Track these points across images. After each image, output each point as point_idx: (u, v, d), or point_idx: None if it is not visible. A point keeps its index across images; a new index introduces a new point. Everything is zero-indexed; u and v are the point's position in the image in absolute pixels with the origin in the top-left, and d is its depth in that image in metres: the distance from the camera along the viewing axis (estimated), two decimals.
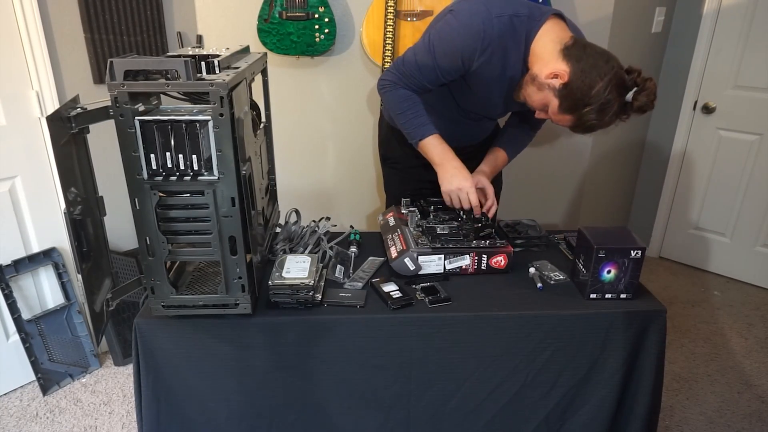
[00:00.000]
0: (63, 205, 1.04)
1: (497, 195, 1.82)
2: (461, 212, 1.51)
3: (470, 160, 1.59)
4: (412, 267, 1.34)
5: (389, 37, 2.11)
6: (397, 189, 1.80)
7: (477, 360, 1.26)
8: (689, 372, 2.27)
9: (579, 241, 1.33)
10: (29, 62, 1.90)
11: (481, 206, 1.49)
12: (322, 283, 1.30)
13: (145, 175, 1.02)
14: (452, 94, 1.54)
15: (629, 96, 1.28)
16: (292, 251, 1.43)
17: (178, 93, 1.05)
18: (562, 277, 1.37)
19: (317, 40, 2.13)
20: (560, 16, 1.39)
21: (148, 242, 1.07)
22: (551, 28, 1.35)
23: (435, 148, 1.47)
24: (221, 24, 2.25)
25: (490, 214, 1.53)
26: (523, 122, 1.68)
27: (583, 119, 1.31)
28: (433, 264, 1.36)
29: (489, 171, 1.62)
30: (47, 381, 2.11)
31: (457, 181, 1.45)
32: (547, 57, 1.33)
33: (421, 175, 1.67)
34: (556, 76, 1.30)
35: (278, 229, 1.52)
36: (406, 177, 1.75)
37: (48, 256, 2.10)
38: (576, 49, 1.30)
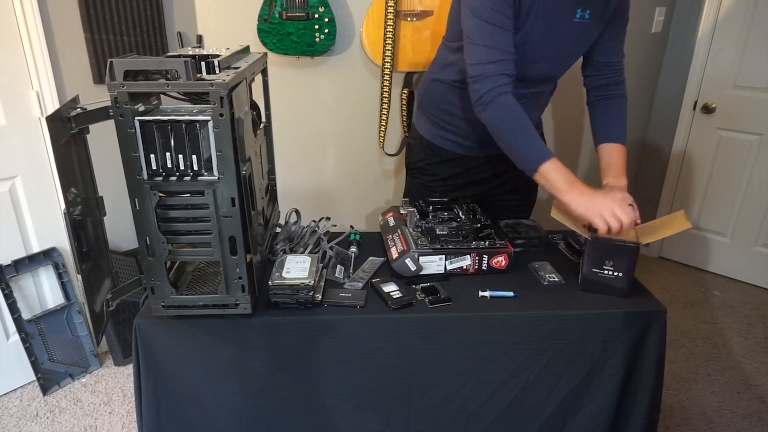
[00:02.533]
0: (63, 205, 1.04)
1: (531, 206, 1.81)
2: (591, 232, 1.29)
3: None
4: (413, 267, 1.34)
5: (389, 37, 2.11)
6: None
7: (478, 361, 1.26)
8: (689, 372, 2.27)
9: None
10: (29, 62, 1.90)
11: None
12: (322, 283, 1.30)
13: (145, 176, 1.02)
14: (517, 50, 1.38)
15: None
16: (292, 251, 1.42)
17: (178, 93, 1.05)
18: (558, 278, 1.37)
19: (317, 40, 2.13)
20: None
21: (148, 242, 1.07)
22: None
23: (559, 174, 1.29)
24: (221, 24, 2.25)
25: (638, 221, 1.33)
26: (599, 99, 1.53)
27: None
28: (434, 264, 1.36)
29: (616, 176, 1.46)
30: (47, 381, 2.11)
31: (604, 202, 1.26)
32: None
33: (444, 189, 1.66)
34: None
35: (278, 229, 1.52)
36: (425, 192, 1.70)
37: (48, 256, 2.10)
38: None
